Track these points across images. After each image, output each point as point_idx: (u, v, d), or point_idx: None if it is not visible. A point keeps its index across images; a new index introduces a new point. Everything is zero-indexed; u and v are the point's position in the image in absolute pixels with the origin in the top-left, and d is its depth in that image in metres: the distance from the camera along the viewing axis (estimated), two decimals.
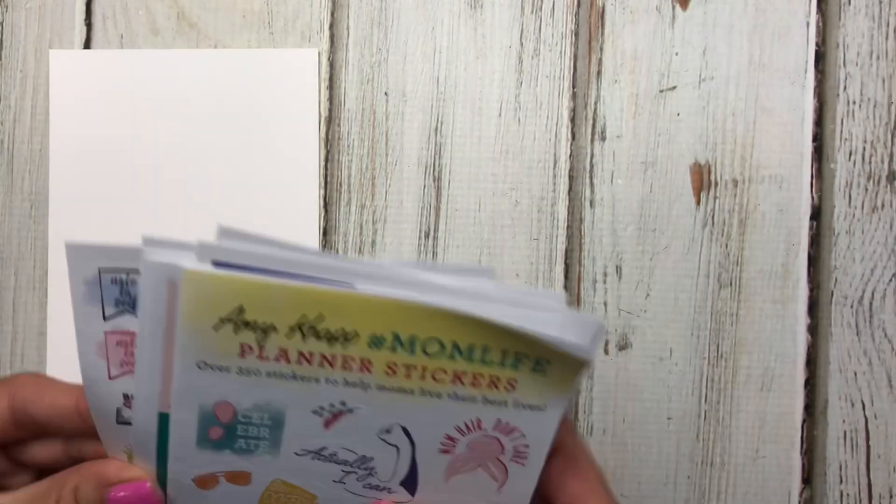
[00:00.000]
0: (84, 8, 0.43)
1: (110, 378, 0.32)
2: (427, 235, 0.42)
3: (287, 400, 0.31)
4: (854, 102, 0.41)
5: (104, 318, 0.32)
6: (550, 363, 0.30)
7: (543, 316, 0.30)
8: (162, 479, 0.33)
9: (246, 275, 0.29)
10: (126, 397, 0.33)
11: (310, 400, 0.30)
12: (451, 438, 0.32)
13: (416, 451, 0.32)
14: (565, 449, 0.33)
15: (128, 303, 0.32)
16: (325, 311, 0.29)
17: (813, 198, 0.41)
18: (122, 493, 0.33)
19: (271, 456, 0.32)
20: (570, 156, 0.42)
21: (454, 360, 0.30)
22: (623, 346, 0.41)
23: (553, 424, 0.32)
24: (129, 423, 0.33)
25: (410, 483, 0.33)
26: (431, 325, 0.30)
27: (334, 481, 0.33)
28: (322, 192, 0.42)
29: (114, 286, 0.32)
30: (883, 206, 0.41)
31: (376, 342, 0.30)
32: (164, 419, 0.32)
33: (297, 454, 0.32)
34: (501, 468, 0.33)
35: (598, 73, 0.42)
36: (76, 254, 0.31)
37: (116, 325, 0.32)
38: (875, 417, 0.41)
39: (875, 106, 0.41)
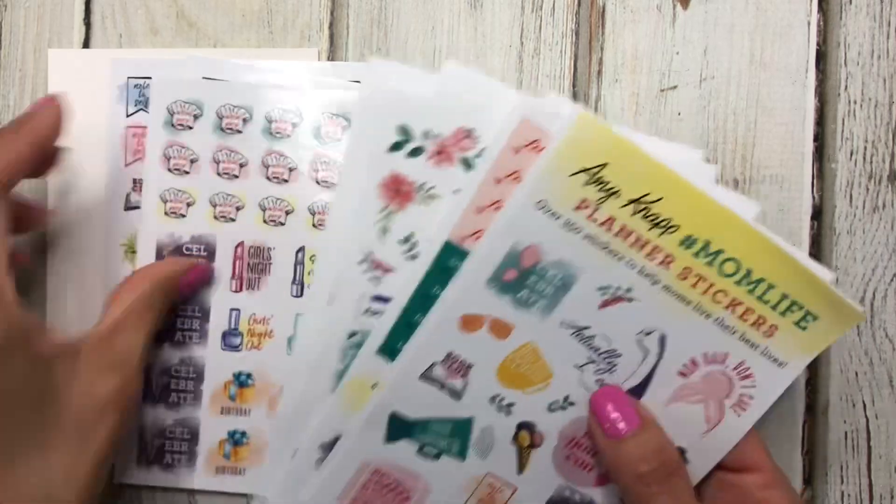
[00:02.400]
0: (83, 7, 0.43)
1: (126, 165, 0.39)
2: None
3: (586, 267, 0.34)
4: (855, 102, 0.41)
5: (126, 114, 0.40)
6: (816, 320, 0.34)
7: (828, 274, 0.35)
8: (416, 307, 0.35)
9: (625, 135, 0.34)
10: (134, 182, 0.41)
11: (604, 275, 0.34)
12: (693, 362, 0.35)
13: (659, 362, 0.35)
14: None
15: (143, 103, 0.41)
16: (668, 195, 0.33)
17: (814, 197, 0.41)
18: (191, 278, 0.39)
19: (541, 317, 0.35)
20: None
21: (740, 286, 0.34)
22: None
23: (783, 385, 0.35)
24: (136, 208, 0.39)
25: (638, 392, 0.35)
26: (742, 245, 0.33)
27: (575, 365, 0.35)
28: None
29: (135, 90, 0.40)
30: (884, 205, 0.41)
31: (688, 242, 0.33)
32: (448, 249, 0.35)
33: (562, 325, 0.35)
34: (720, 411, 0.35)
35: (599, 72, 0.41)
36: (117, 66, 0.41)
37: (135, 120, 0.40)
38: (876, 418, 0.41)
39: (876, 105, 0.41)
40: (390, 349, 0.36)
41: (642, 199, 0.33)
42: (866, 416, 0.41)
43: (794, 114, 0.41)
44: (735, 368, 0.35)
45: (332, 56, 0.42)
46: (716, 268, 0.34)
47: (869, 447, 0.41)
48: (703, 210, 0.33)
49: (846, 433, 0.41)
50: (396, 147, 0.36)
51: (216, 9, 0.42)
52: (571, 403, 0.35)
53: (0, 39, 0.43)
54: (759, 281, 0.34)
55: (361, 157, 0.36)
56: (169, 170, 0.40)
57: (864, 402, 0.41)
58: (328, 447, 0.37)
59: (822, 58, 0.41)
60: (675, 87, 0.41)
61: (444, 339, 0.35)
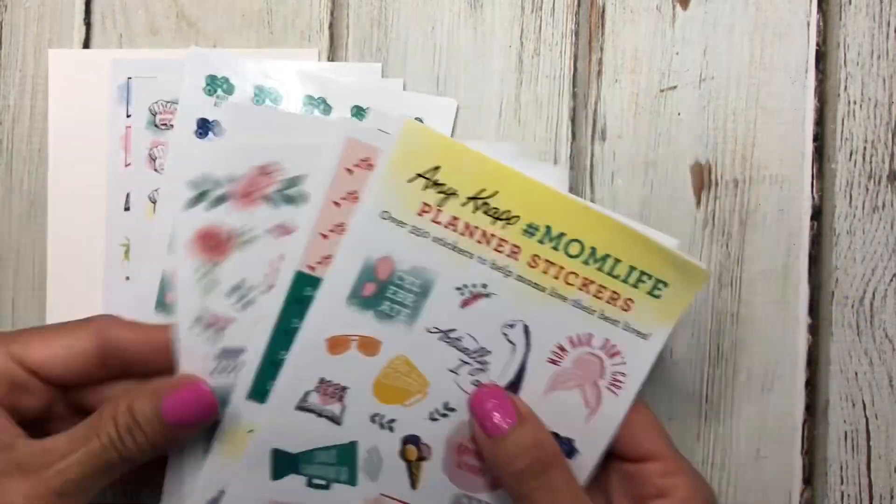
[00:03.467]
0: (83, 7, 0.43)
1: (126, 165, 0.40)
2: None
3: (440, 270, 0.35)
4: (855, 102, 0.41)
5: (127, 115, 0.40)
6: (667, 286, 0.35)
7: (671, 241, 0.35)
8: (279, 344, 0.35)
9: (449, 137, 0.36)
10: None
11: (459, 275, 0.35)
12: (561, 349, 0.35)
13: (528, 353, 0.35)
14: None
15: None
16: (502, 189, 0.34)
17: (814, 198, 0.41)
18: (176, 398, 0.33)
19: (406, 326, 0.35)
20: (571, 155, 0.41)
21: (588, 265, 0.35)
22: None
23: (651, 357, 0.35)
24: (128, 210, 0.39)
25: (514, 388, 0.36)
26: (581, 226, 0.34)
27: (449, 370, 0.35)
28: None
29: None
30: (884, 205, 0.41)
31: (531, 230, 0.34)
32: (300, 279, 0.35)
33: (428, 331, 0.35)
34: (596, 393, 0.36)
35: (599, 72, 0.42)
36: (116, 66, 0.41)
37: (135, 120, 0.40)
38: (876, 418, 0.41)
39: (876, 106, 0.41)
40: (260, 392, 0.35)
41: (480, 196, 0.34)
42: (866, 416, 0.41)
43: (794, 114, 0.41)
44: (602, 348, 0.35)
45: (332, 56, 0.42)
46: (561, 251, 0.35)
47: (869, 447, 0.41)
48: (539, 197, 0.34)
49: (846, 433, 0.41)
50: (197, 200, 0.35)
51: (216, 9, 0.42)
52: (452, 409, 0.35)
53: (0, 39, 0.43)
54: (605, 257, 0.35)
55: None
56: (155, 170, 0.41)
57: (864, 402, 0.41)
58: (215, 502, 0.36)
59: (821, 58, 0.41)
60: (674, 87, 0.41)
61: (315, 365, 0.35)
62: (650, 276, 0.35)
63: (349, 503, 0.36)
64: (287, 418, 0.35)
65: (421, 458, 0.36)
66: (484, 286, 0.35)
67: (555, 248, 0.34)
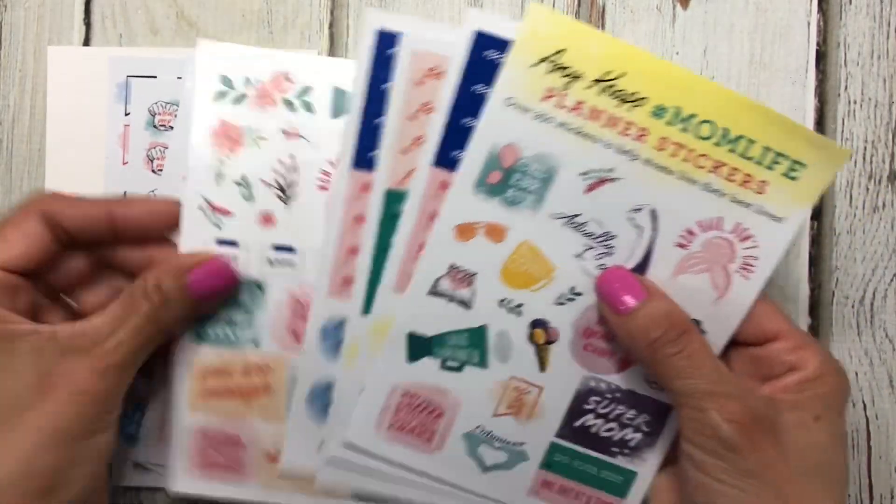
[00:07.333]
0: (83, 7, 0.43)
1: (124, 163, 0.40)
2: None
3: (565, 155, 0.34)
4: (855, 102, 0.41)
5: (125, 113, 0.41)
6: (805, 167, 0.34)
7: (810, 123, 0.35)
8: (381, 263, 0.36)
9: (576, 20, 0.35)
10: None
11: (584, 160, 0.34)
12: (690, 232, 0.35)
13: (656, 237, 0.35)
14: None
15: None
16: (630, 70, 0.34)
17: None
18: (200, 273, 0.36)
19: (531, 213, 0.35)
20: None
21: (720, 147, 0.34)
22: None
23: (786, 240, 0.35)
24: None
25: (641, 270, 0.35)
26: (713, 106, 0.34)
27: (575, 255, 0.35)
28: None
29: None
30: (884, 205, 0.41)
31: (659, 112, 0.34)
32: (390, 197, 0.36)
33: (553, 217, 0.35)
34: (726, 277, 0.35)
35: None
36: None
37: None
38: (876, 418, 0.41)
39: (876, 106, 0.41)
40: (371, 305, 0.37)
41: (606, 78, 0.34)
42: (866, 416, 0.41)
43: (794, 114, 0.41)
44: (733, 231, 0.35)
45: (331, 56, 0.42)
46: (692, 133, 0.34)
47: (869, 447, 0.41)
48: (668, 78, 0.34)
49: (846, 433, 0.41)
50: (221, 96, 0.38)
51: (216, 9, 0.42)
52: (579, 294, 0.36)
53: (0, 39, 0.43)
54: (739, 138, 0.34)
55: (192, 110, 0.38)
56: (153, 171, 0.41)
57: (864, 402, 0.41)
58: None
59: (822, 58, 0.41)
60: None
61: (444, 252, 0.36)
62: (786, 157, 0.34)
63: (481, 384, 0.37)
64: (421, 303, 0.36)
65: (549, 342, 0.36)
66: (610, 171, 0.34)
67: (684, 130, 0.34)
